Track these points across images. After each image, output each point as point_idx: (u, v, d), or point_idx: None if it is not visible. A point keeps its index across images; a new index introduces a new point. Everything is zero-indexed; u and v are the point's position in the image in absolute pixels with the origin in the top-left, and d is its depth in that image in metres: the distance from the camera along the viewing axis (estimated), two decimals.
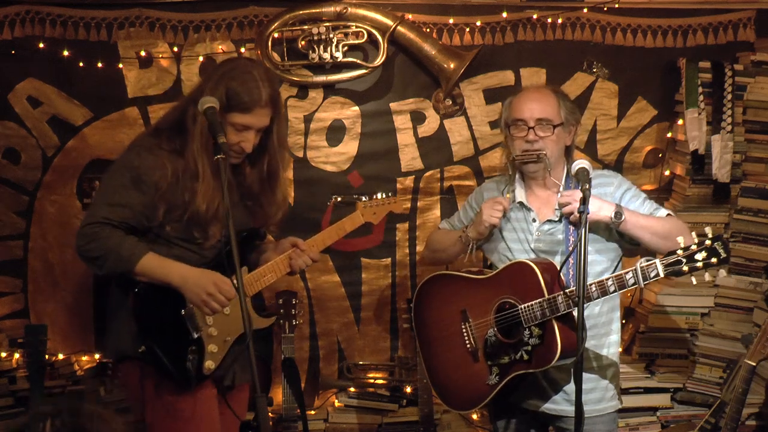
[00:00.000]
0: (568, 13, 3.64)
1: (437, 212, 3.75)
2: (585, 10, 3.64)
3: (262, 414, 2.04)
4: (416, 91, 3.68)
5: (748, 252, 3.69)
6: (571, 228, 2.66)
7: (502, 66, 3.69)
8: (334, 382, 3.79)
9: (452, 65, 3.55)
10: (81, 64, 3.48)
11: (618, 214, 2.55)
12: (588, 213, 2.32)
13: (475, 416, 3.73)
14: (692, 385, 3.72)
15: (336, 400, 3.75)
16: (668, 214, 2.68)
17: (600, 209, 2.55)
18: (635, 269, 2.44)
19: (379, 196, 2.95)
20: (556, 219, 2.70)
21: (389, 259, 3.77)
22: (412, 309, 2.94)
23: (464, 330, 2.75)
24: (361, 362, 3.80)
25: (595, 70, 3.71)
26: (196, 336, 2.52)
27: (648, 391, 3.72)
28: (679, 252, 2.40)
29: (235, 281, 2.52)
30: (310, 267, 2.77)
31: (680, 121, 3.66)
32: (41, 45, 3.46)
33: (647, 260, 2.45)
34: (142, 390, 2.54)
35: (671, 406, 3.74)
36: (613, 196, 2.69)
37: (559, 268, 2.51)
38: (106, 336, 2.71)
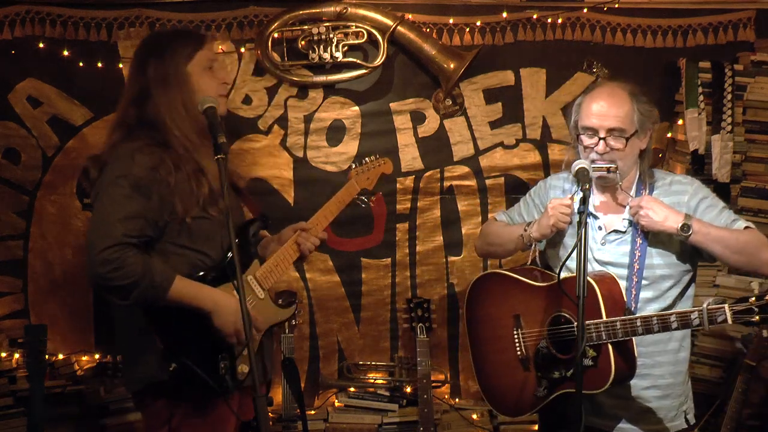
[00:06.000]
0: (568, 13, 3.64)
1: (437, 212, 3.75)
2: (585, 10, 3.64)
3: (262, 414, 2.04)
4: (416, 91, 3.69)
5: None
6: (639, 241, 2.48)
7: (502, 66, 3.69)
8: (334, 382, 3.79)
9: (452, 65, 3.55)
10: (81, 64, 3.48)
11: (685, 226, 2.36)
12: (588, 213, 2.27)
13: (475, 416, 3.72)
14: (692, 385, 3.72)
15: (336, 400, 3.75)
16: (747, 227, 2.46)
17: (666, 219, 2.38)
18: (702, 310, 2.26)
19: (367, 160, 2.85)
20: (623, 230, 2.52)
21: (389, 259, 3.77)
22: (465, 304, 2.78)
23: (516, 336, 2.60)
24: (361, 362, 3.80)
25: (595, 70, 3.71)
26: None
27: None
28: (752, 299, 2.23)
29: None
30: (316, 249, 2.63)
31: (680, 121, 3.66)
32: (41, 45, 3.46)
33: (716, 302, 2.27)
34: (169, 418, 2.34)
35: None
36: (688, 206, 2.50)
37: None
38: (125, 367, 2.48)
